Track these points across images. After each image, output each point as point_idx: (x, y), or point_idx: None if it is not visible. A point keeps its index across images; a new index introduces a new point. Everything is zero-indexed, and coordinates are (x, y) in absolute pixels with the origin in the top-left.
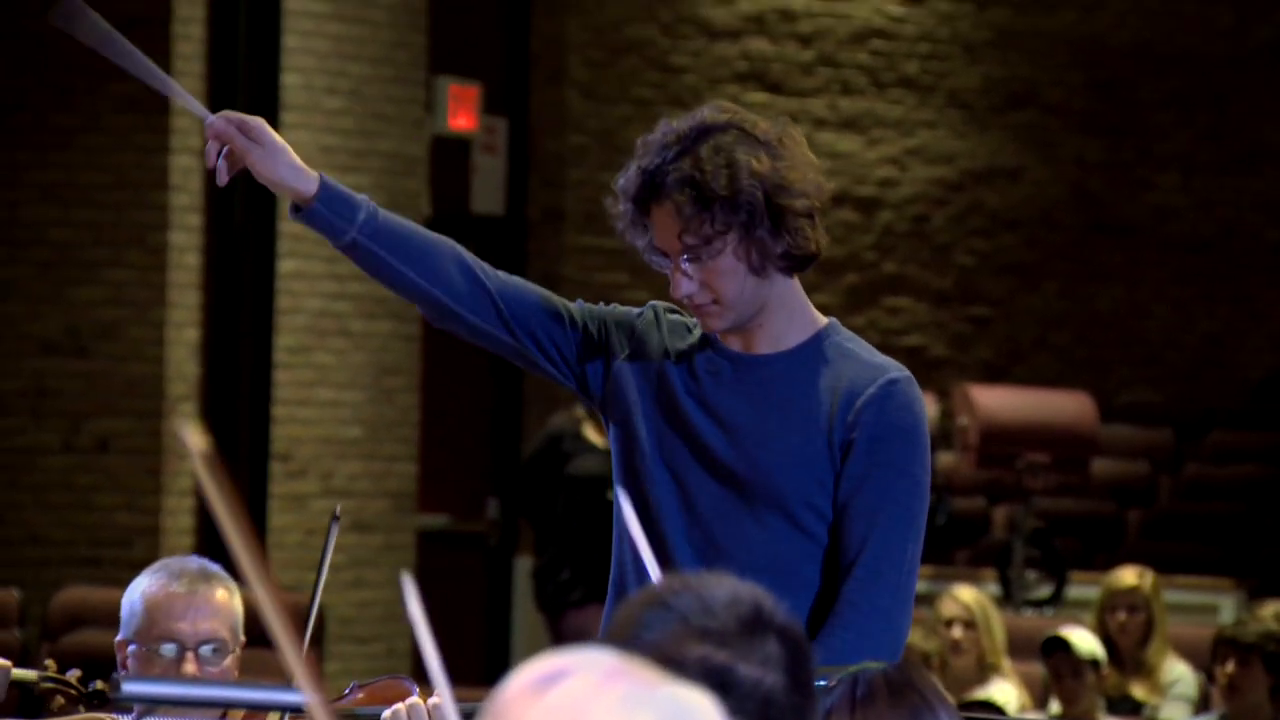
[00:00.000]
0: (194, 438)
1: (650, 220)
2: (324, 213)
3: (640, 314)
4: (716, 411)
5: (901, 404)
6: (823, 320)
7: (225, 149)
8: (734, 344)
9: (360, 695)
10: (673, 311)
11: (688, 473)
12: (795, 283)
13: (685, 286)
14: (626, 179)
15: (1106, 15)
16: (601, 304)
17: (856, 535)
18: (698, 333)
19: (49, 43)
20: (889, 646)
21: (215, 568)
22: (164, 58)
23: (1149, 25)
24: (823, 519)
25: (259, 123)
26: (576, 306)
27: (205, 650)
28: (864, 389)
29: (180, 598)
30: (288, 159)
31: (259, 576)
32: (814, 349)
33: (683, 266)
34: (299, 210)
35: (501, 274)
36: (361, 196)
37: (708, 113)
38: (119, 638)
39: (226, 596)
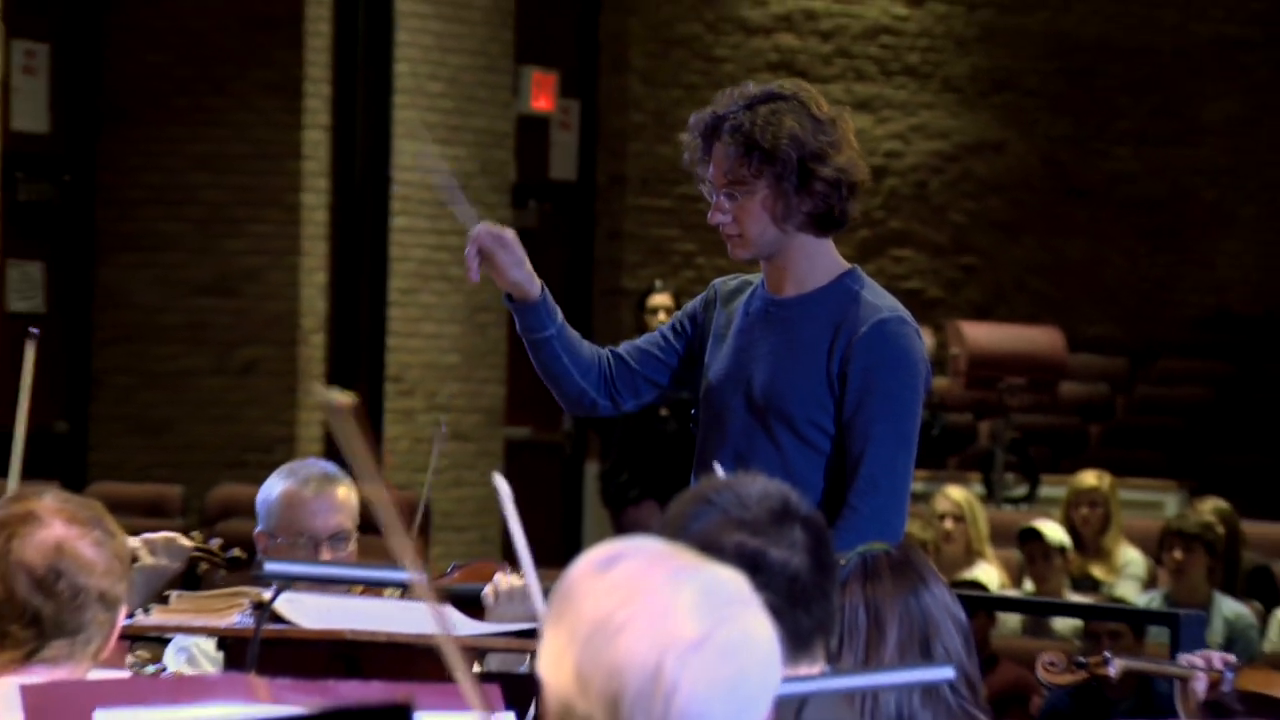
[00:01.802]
0: (339, 399)
1: (710, 156)
2: (539, 311)
3: (704, 298)
4: (751, 349)
5: (888, 340)
6: (843, 268)
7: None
8: (771, 287)
9: (458, 574)
10: (735, 278)
11: (726, 401)
12: (825, 239)
13: (718, 217)
14: (699, 117)
15: (1074, 15)
16: (689, 305)
17: (855, 451)
18: (757, 281)
19: (204, 38)
20: (885, 541)
21: (335, 469)
22: (297, 50)
23: (1109, 22)
24: (826, 434)
25: (510, 234)
26: (666, 328)
27: (333, 540)
28: (859, 328)
29: (311, 500)
30: (524, 266)
31: (389, 512)
32: (829, 293)
33: (721, 199)
34: (513, 300)
35: (624, 351)
36: (557, 309)
37: (783, 83)
38: (258, 530)
39: (346, 493)
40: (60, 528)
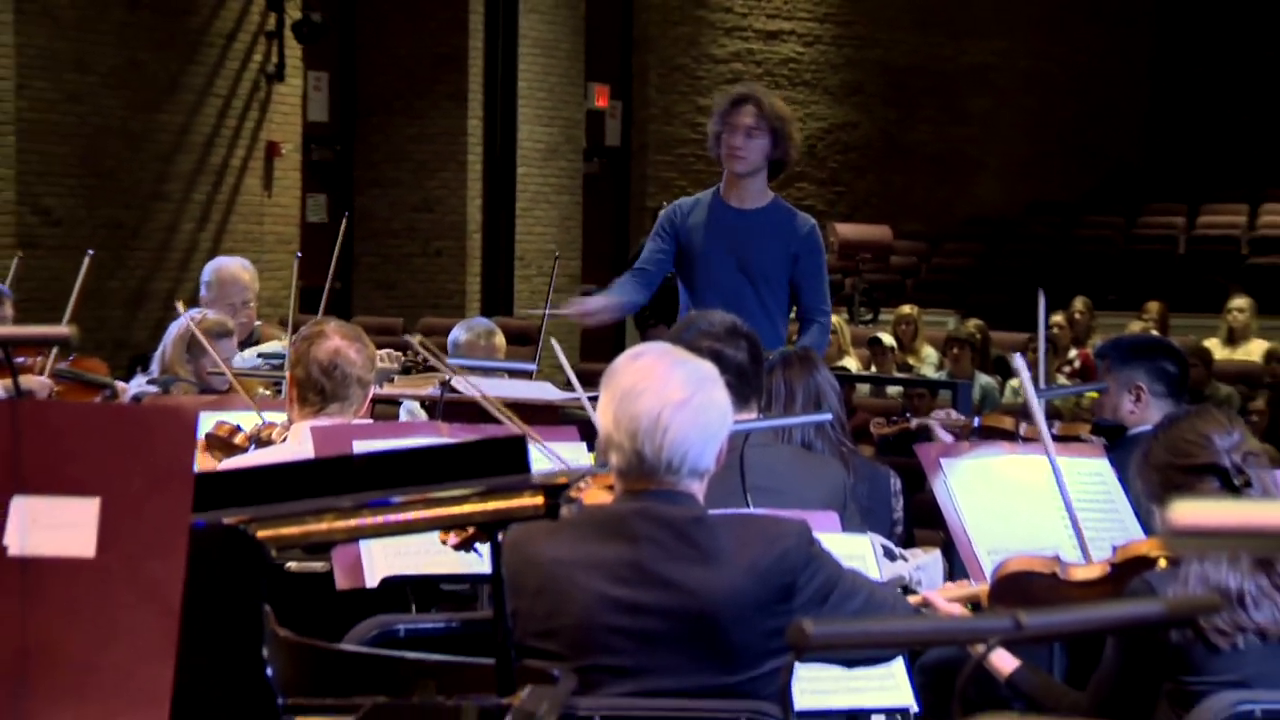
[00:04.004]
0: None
1: (735, 111)
2: (624, 310)
3: (675, 208)
4: (726, 237)
5: (817, 237)
6: (773, 195)
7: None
8: (733, 201)
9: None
10: (685, 199)
11: (723, 270)
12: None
13: (740, 140)
14: (736, 93)
15: (896, 51)
16: (662, 219)
17: (811, 291)
18: (706, 199)
19: (411, 68)
20: (827, 334)
21: (495, 326)
22: (463, 74)
23: (915, 55)
24: (783, 288)
25: (588, 304)
26: (657, 238)
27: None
28: (802, 228)
29: (482, 347)
30: (606, 311)
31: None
32: (773, 208)
33: (741, 135)
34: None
35: (645, 259)
36: (627, 295)
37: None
38: (450, 354)
39: (501, 341)
40: (338, 340)
